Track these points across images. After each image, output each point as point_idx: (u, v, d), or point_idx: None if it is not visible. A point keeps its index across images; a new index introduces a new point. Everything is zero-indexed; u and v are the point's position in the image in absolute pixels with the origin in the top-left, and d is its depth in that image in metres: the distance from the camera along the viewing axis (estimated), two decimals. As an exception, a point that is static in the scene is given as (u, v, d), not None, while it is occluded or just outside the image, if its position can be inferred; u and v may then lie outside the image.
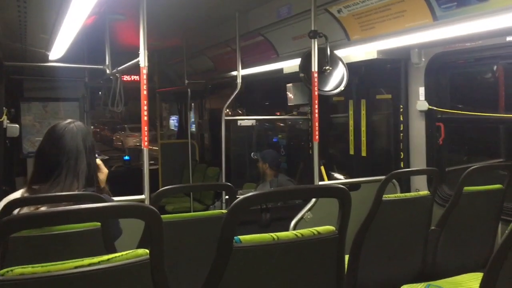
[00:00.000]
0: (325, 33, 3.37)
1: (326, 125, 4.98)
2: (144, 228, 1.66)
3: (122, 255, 1.26)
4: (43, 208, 1.77)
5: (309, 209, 3.30)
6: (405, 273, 2.63)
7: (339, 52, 3.73)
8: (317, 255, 1.54)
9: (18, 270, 1.15)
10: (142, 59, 2.85)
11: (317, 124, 3.33)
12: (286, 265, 1.49)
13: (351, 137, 4.53)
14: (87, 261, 1.21)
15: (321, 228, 1.52)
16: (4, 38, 4.17)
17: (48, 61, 5.06)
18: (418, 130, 3.64)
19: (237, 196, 2.28)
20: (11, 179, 5.60)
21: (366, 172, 4.31)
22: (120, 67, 3.96)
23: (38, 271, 1.16)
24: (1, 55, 4.15)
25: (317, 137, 3.34)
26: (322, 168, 4.46)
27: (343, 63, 3.74)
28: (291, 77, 4.52)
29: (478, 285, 1.56)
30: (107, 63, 4.29)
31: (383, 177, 2.59)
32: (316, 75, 3.31)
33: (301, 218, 3.28)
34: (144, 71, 2.83)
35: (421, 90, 3.55)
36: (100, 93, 5.35)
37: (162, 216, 1.34)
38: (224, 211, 2.35)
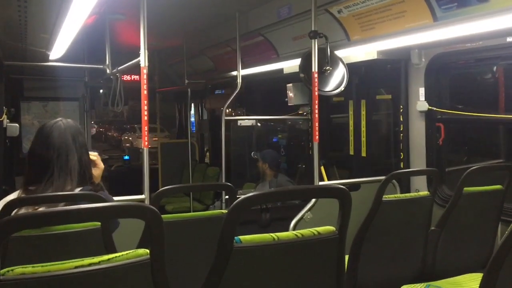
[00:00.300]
0: (325, 34, 3.37)
1: (326, 126, 4.99)
2: (144, 228, 1.66)
3: (122, 255, 1.26)
4: (41, 209, 1.77)
5: (309, 209, 3.30)
6: (405, 273, 2.63)
7: (339, 53, 3.73)
8: (317, 255, 1.54)
9: (19, 270, 1.15)
10: (143, 59, 2.85)
11: (317, 124, 3.33)
12: (286, 265, 1.49)
13: (351, 138, 4.53)
14: (87, 261, 1.21)
15: (321, 229, 1.53)
16: (4, 38, 4.17)
17: (48, 60, 5.06)
18: (418, 131, 3.64)
19: (237, 196, 2.29)
20: (11, 179, 5.59)
21: (366, 173, 4.32)
22: (120, 67, 3.96)
23: (39, 271, 1.16)
24: (1, 54, 4.15)
25: (317, 137, 3.34)
26: (322, 168, 4.46)
27: (343, 63, 3.74)
28: (291, 77, 4.52)
29: (478, 285, 1.56)
30: (107, 62, 4.29)
31: (383, 177, 2.59)
32: (316, 75, 3.31)
33: (301, 218, 3.28)
34: (145, 71, 2.84)
35: (421, 91, 3.55)
36: (101, 91, 5.35)
37: (162, 216, 1.34)
38: (224, 211, 2.35)
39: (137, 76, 5.21)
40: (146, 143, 2.88)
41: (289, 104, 4.90)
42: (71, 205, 1.33)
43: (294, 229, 3.21)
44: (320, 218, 3.23)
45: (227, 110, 4.58)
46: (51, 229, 1.73)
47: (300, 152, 6.07)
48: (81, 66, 5.67)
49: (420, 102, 3.54)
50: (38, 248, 1.72)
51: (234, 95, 4.51)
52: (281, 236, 1.45)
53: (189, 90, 6.25)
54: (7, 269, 1.15)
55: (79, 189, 1.94)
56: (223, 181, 4.43)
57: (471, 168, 2.57)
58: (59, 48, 4.43)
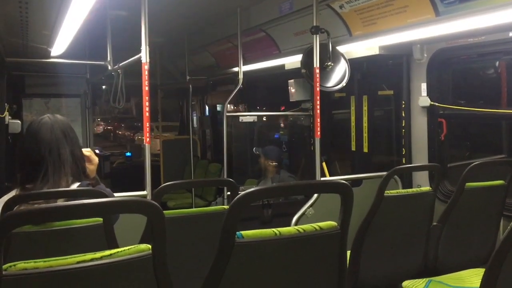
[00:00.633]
0: (327, 29, 3.36)
1: (327, 121, 4.99)
2: (146, 223, 1.66)
3: (124, 250, 1.27)
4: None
5: (311, 205, 3.30)
6: (407, 268, 2.63)
7: (341, 48, 3.72)
8: (319, 251, 1.54)
9: (21, 265, 1.15)
10: (144, 55, 2.85)
11: (318, 120, 3.33)
12: (288, 261, 1.49)
13: (353, 133, 4.52)
14: (89, 256, 1.22)
15: (323, 224, 1.53)
16: (5, 34, 4.17)
17: (49, 57, 5.06)
18: (420, 126, 3.63)
19: (239, 192, 2.29)
20: (14, 175, 5.61)
21: (368, 168, 4.31)
22: (122, 63, 3.96)
23: (40, 266, 1.16)
24: (3, 51, 4.16)
25: (318, 133, 3.33)
26: (324, 164, 4.46)
27: (345, 59, 3.74)
28: (293, 73, 4.51)
29: (480, 280, 1.56)
30: (108, 59, 4.29)
31: (385, 173, 2.59)
32: (318, 71, 3.30)
33: (303, 214, 3.28)
34: (146, 67, 2.83)
35: (423, 86, 3.54)
36: (104, 87, 5.35)
37: (164, 211, 1.34)
38: (226, 207, 2.35)
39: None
40: (148, 139, 2.88)
41: (290, 100, 4.89)
42: (72, 200, 1.33)
43: (296, 225, 3.21)
44: (322, 214, 3.23)
45: (230, 107, 4.57)
46: (53, 224, 1.74)
47: (302, 148, 6.06)
48: (83, 63, 5.66)
49: (422, 97, 3.53)
50: (40, 244, 1.73)
51: (235, 91, 4.50)
52: (283, 231, 1.45)
53: (190, 86, 6.25)
54: (9, 264, 1.15)
55: (76, 184, 1.95)
56: (225, 177, 4.43)
57: (473, 164, 2.57)
58: (60, 45, 4.43)
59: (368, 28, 3.34)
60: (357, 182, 3.68)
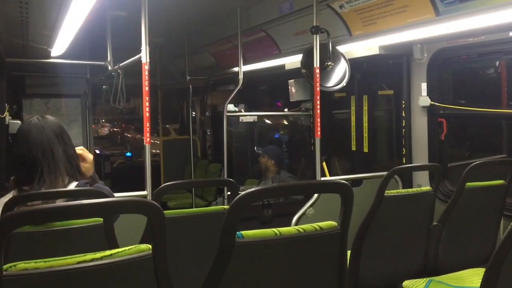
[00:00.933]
0: (327, 29, 3.36)
1: (327, 121, 4.99)
2: (146, 223, 1.66)
3: (124, 250, 1.27)
4: None
5: (311, 205, 3.30)
6: (407, 268, 2.63)
7: (341, 48, 3.72)
8: (319, 251, 1.54)
9: (21, 265, 1.15)
10: (144, 55, 2.85)
11: (319, 120, 3.33)
12: (288, 260, 1.49)
13: (353, 133, 4.52)
14: (89, 256, 1.22)
15: (323, 224, 1.53)
16: (5, 35, 4.17)
17: (50, 57, 5.06)
18: (420, 126, 3.63)
19: (239, 192, 2.29)
20: (10, 177, 5.60)
21: (368, 168, 4.31)
22: (122, 63, 3.96)
23: (41, 266, 1.16)
24: (3, 51, 4.15)
25: (319, 133, 3.33)
26: (324, 164, 4.45)
27: (345, 58, 3.74)
28: (293, 73, 4.51)
29: (480, 280, 1.56)
30: (108, 59, 4.29)
31: (385, 173, 2.59)
32: (318, 71, 3.30)
33: (303, 214, 3.28)
34: (146, 67, 2.83)
35: (423, 86, 3.54)
36: (104, 87, 5.34)
37: (164, 211, 1.34)
38: (226, 207, 2.35)
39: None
40: (148, 139, 2.88)
41: (291, 100, 4.89)
42: (71, 201, 1.33)
43: (296, 225, 3.21)
44: (322, 214, 3.22)
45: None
46: (53, 225, 1.74)
47: (302, 148, 6.06)
48: (83, 63, 5.66)
49: (422, 97, 3.53)
50: (40, 244, 1.73)
51: (235, 91, 4.50)
52: (283, 231, 1.45)
53: (190, 86, 6.25)
54: (9, 264, 1.15)
55: (74, 183, 1.95)
56: (225, 177, 4.43)
57: (473, 163, 2.57)
58: (60, 45, 4.43)
59: (368, 28, 3.34)
60: (357, 182, 3.68)
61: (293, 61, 4.42)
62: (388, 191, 2.45)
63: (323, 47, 3.41)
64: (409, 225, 2.61)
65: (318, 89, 3.31)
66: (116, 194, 2.22)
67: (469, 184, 2.56)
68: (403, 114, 3.72)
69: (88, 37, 4.74)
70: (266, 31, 4.49)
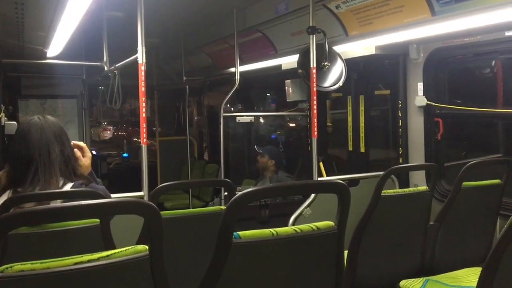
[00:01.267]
0: (323, 29, 3.36)
1: (324, 121, 5.00)
2: (143, 224, 1.66)
3: (121, 251, 1.26)
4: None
5: (308, 205, 3.30)
6: (404, 268, 2.64)
7: (337, 48, 3.72)
8: (316, 251, 1.54)
9: (18, 266, 1.15)
10: (140, 56, 2.84)
11: (315, 120, 3.33)
12: (285, 261, 1.49)
13: (350, 133, 4.53)
14: (86, 257, 1.21)
15: (320, 224, 1.52)
16: (1, 35, 4.15)
17: (45, 58, 5.04)
18: (416, 126, 3.64)
19: (236, 193, 2.28)
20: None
21: (364, 168, 4.32)
22: (118, 64, 3.95)
23: (37, 268, 1.16)
24: (-1, 52, 4.14)
25: (315, 133, 3.34)
26: (321, 164, 4.46)
27: (341, 59, 3.74)
28: (290, 73, 4.51)
29: (477, 279, 1.57)
30: (105, 59, 4.28)
31: (381, 172, 2.59)
32: (314, 71, 3.30)
33: (300, 214, 3.28)
34: (142, 68, 2.83)
35: (420, 86, 3.55)
36: (101, 88, 5.33)
37: (161, 212, 1.34)
38: (223, 207, 2.35)
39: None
40: (145, 140, 2.88)
41: (287, 100, 4.89)
42: (68, 201, 1.32)
43: (293, 225, 3.21)
44: (320, 214, 3.23)
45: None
46: (50, 226, 1.73)
47: (299, 148, 6.06)
48: (79, 64, 5.65)
49: (419, 97, 3.54)
50: (37, 245, 1.72)
51: (232, 91, 4.50)
52: (280, 231, 1.45)
53: (187, 87, 6.24)
54: (5, 266, 1.15)
55: (70, 185, 1.94)
56: (222, 177, 4.43)
57: (469, 163, 2.58)
58: (56, 46, 4.42)
59: (364, 28, 3.35)
60: (354, 182, 3.68)
61: (289, 61, 4.42)
62: (385, 191, 2.45)
63: (320, 47, 3.42)
64: (406, 225, 2.61)
65: (314, 89, 3.31)
66: (113, 195, 2.22)
67: (465, 183, 2.57)
68: (400, 114, 3.73)
69: (84, 38, 4.73)
70: (263, 32, 4.49)
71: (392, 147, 4.23)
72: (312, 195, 3.31)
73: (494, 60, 3.35)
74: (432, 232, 2.63)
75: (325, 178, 4.09)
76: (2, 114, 4.23)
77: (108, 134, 13.80)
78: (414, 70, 3.60)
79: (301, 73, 3.58)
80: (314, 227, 1.51)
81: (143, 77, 2.82)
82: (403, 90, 3.69)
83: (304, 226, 1.50)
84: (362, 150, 4.40)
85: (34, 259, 1.17)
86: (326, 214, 1.67)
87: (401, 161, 3.75)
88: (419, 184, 3.57)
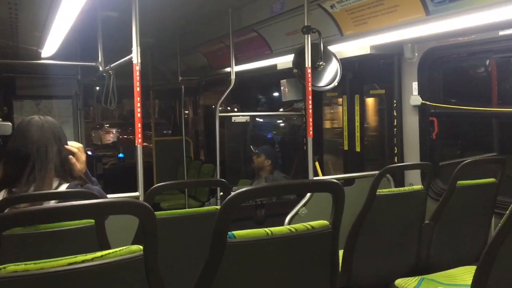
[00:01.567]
0: (318, 29, 3.36)
1: (320, 121, 5.00)
2: (138, 224, 1.66)
3: (115, 251, 1.26)
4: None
5: (304, 205, 3.30)
6: (399, 267, 2.64)
7: (332, 48, 3.73)
8: (311, 250, 1.54)
9: (11, 267, 1.14)
10: (135, 56, 2.84)
11: (311, 120, 3.33)
12: (280, 260, 1.49)
13: (345, 133, 4.53)
14: (80, 258, 1.21)
15: (314, 223, 1.53)
16: (-5, 36, 4.14)
17: (40, 58, 5.02)
18: (411, 125, 3.65)
19: (231, 193, 2.28)
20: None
21: (360, 167, 4.32)
22: (113, 64, 3.94)
23: (31, 268, 1.15)
24: (-7, 53, 4.13)
25: (311, 132, 3.34)
26: (317, 163, 4.46)
27: (336, 58, 3.74)
28: (285, 73, 4.52)
29: (472, 278, 1.57)
30: (99, 60, 4.27)
31: (377, 172, 2.59)
32: (309, 70, 3.31)
33: (296, 213, 3.28)
34: (137, 68, 2.82)
35: (415, 85, 3.56)
36: (97, 88, 5.32)
37: (156, 212, 1.34)
38: (218, 207, 2.34)
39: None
40: (140, 140, 2.87)
41: (283, 100, 4.90)
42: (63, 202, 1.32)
43: (289, 224, 3.21)
44: (315, 213, 3.23)
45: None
46: (44, 226, 1.73)
47: (294, 147, 6.07)
48: (74, 64, 5.64)
49: (414, 96, 3.55)
50: (31, 246, 1.72)
51: (228, 91, 4.50)
52: (274, 231, 1.45)
53: (182, 87, 6.24)
54: (-1, 267, 1.14)
55: (65, 185, 1.94)
56: (218, 177, 4.43)
57: (464, 162, 2.58)
58: (51, 46, 4.40)
59: (359, 28, 3.35)
60: (349, 181, 3.68)
61: (285, 61, 4.42)
62: (380, 190, 2.46)
63: (315, 47, 3.42)
64: (401, 224, 2.62)
65: (310, 89, 3.32)
66: (108, 195, 2.22)
67: (460, 182, 2.58)
68: (395, 113, 3.74)
69: (79, 38, 4.71)
70: (258, 31, 4.49)
71: (387, 146, 4.24)
72: (308, 195, 3.32)
73: (488, 59, 3.36)
74: (427, 231, 2.64)
75: (320, 177, 4.09)
76: (-3, 114, 4.21)
77: (110, 138, 12.94)
78: (409, 70, 3.61)
79: (296, 72, 3.58)
80: (308, 227, 1.51)
81: (138, 77, 2.82)
82: (398, 90, 3.70)
83: (299, 226, 1.50)
84: (358, 149, 4.40)
85: (29, 260, 1.17)
86: (322, 213, 1.68)
87: (396, 160, 3.76)
88: (414, 183, 3.57)
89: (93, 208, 1.31)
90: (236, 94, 6.42)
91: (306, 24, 3.27)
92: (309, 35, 3.28)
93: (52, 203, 1.83)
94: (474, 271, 1.58)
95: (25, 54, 5.22)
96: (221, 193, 3.71)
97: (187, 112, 8.53)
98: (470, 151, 3.90)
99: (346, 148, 4.54)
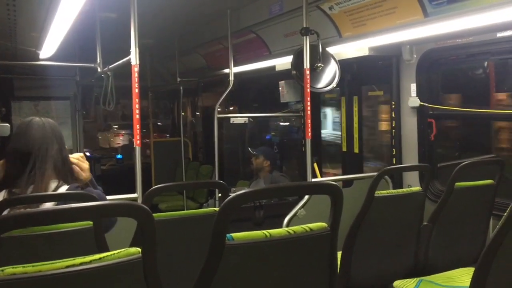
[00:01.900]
0: (317, 30, 3.37)
1: (319, 122, 5.01)
2: (136, 226, 1.66)
3: (114, 254, 1.26)
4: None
5: (302, 206, 3.30)
6: (397, 268, 2.64)
7: (331, 49, 3.73)
8: (310, 252, 1.54)
9: (9, 270, 1.14)
10: (133, 57, 2.83)
11: (309, 121, 3.33)
12: (278, 262, 1.49)
13: (344, 134, 4.53)
14: (78, 260, 1.20)
15: (313, 225, 1.53)
16: (-7, 37, 4.14)
17: (38, 59, 5.02)
18: (410, 127, 3.65)
19: (230, 194, 2.28)
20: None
21: (358, 169, 4.33)
22: (112, 65, 3.94)
23: (29, 271, 1.15)
24: (-9, 54, 4.12)
25: (309, 134, 3.34)
26: (315, 165, 4.46)
27: (335, 60, 3.75)
28: (284, 74, 4.52)
29: (470, 279, 1.58)
30: (98, 61, 4.27)
31: (375, 173, 2.59)
32: (308, 72, 3.31)
33: (294, 215, 3.28)
34: (136, 69, 2.82)
35: (413, 87, 3.56)
36: (95, 89, 5.32)
37: (154, 214, 1.33)
38: (216, 209, 2.34)
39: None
40: (138, 141, 2.87)
41: (281, 101, 4.90)
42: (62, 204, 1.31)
43: (287, 226, 3.21)
44: (314, 215, 3.23)
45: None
46: (42, 229, 1.72)
47: (293, 149, 6.07)
48: (72, 65, 5.63)
49: (412, 98, 3.55)
50: (29, 248, 1.71)
51: (226, 93, 4.50)
52: (273, 233, 1.45)
53: (181, 88, 6.23)
54: (-3, 269, 1.14)
55: (65, 187, 1.94)
56: (216, 179, 4.42)
57: (462, 163, 2.59)
58: (49, 47, 4.40)
59: (357, 29, 3.36)
60: (348, 183, 3.68)
61: (283, 62, 4.43)
62: (378, 192, 2.46)
63: (313, 49, 3.42)
64: (400, 225, 2.62)
65: (308, 90, 3.32)
66: (107, 197, 2.21)
67: (458, 184, 2.58)
68: (393, 115, 3.74)
69: (78, 39, 4.71)
70: (256, 33, 4.49)
71: (386, 147, 4.24)
72: (306, 196, 3.32)
73: (486, 61, 3.37)
74: (425, 233, 2.64)
75: (319, 179, 4.09)
76: (-5, 116, 4.21)
77: (121, 141, 10.92)
78: (407, 71, 3.61)
79: (294, 74, 3.58)
80: (307, 229, 1.51)
81: (136, 78, 2.82)
82: (397, 91, 3.70)
83: (297, 228, 1.50)
84: (356, 151, 4.40)
85: (27, 262, 1.17)
86: (320, 215, 1.68)
87: (394, 162, 3.76)
88: (412, 184, 3.58)
89: (91, 210, 1.30)
90: (235, 95, 6.42)
91: (304, 25, 3.27)
92: (308, 37, 3.28)
93: (51, 205, 1.83)
94: (472, 272, 1.58)
95: (23, 55, 5.21)
96: (219, 195, 3.71)
97: (184, 113, 8.52)
98: (468, 153, 3.90)
99: (344, 149, 4.54)
